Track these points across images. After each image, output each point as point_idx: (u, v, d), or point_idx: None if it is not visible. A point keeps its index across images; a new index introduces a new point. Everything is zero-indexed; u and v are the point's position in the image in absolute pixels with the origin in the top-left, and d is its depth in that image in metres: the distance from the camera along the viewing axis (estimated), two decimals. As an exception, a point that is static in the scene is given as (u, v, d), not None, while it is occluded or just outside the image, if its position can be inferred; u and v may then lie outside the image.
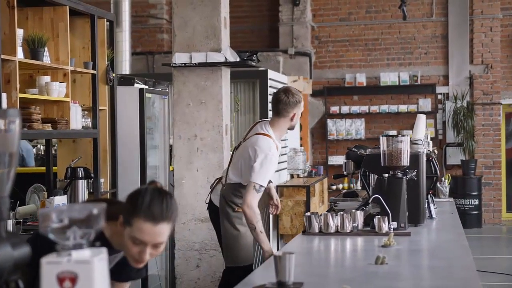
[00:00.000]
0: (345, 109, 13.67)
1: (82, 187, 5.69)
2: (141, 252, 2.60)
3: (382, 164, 4.86)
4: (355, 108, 13.64)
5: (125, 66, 10.47)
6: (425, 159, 5.18)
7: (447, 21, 13.53)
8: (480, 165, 13.34)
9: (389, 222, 4.64)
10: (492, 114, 13.42)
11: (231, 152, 8.56)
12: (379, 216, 4.63)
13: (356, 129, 13.60)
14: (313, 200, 9.46)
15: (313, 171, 11.18)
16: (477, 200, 13.02)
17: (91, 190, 5.88)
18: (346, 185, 13.44)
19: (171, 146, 6.91)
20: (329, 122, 13.70)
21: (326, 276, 3.42)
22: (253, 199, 4.80)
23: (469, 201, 12.98)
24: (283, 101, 4.98)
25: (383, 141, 4.91)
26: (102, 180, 6.05)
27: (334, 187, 13.44)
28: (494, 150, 13.43)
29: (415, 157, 5.03)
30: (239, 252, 5.03)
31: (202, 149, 6.18)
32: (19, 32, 4.92)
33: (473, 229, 12.88)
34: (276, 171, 7.81)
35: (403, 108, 13.37)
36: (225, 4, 6.39)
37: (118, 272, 2.94)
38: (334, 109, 13.71)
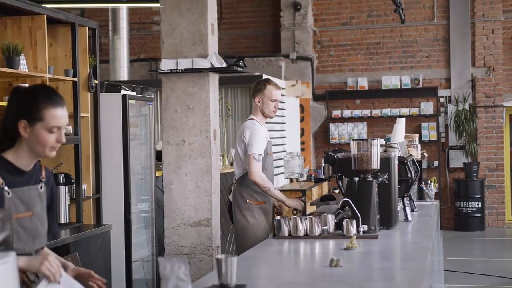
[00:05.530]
0: (347, 113, 13.68)
1: (64, 192, 5.77)
2: (58, 136, 2.98)
3: (352, 168, 4.91)
4: (357, 112, 13.65)
5: (123, 73, 10.48)
6: (397, 162, 5.20)
7: (449, 24, 13.52)
8: (483, 168, 13.30)
9: (358, 225, 4.67)
10: (495, 117, 13.37)
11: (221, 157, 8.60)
12: (347, 219, 4.67)
13: (358, 132, 13.60)
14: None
15: (312, 175, 11.20)
16: (480, 202, 12.99)
17: (74, 196, 5.96)
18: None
19: (157, 151, 6.97)
20: (331, 126, 13.72)
21: (274, 278, 3.46)
22: (256, 167, 5.52)
23: (471, 204, 12.95)
24: (252, 86, 5.89)
25: (353, 145, 4.96)
26: (85, 186, 6.12)
27: (337, 191, 13.41)
28: (497, 153, 13.38)
29: (386, 161, 5.05)
30: (247, 240, 5.47)
31: (190, 154, 6.22)
32: (-8, 41, 5.02)
33: (476, 232, 12.87)
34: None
35: (405, 111, 13.35)
36: (212, 11, 6.42)
37: None
38: (336, 113, 13.73)
